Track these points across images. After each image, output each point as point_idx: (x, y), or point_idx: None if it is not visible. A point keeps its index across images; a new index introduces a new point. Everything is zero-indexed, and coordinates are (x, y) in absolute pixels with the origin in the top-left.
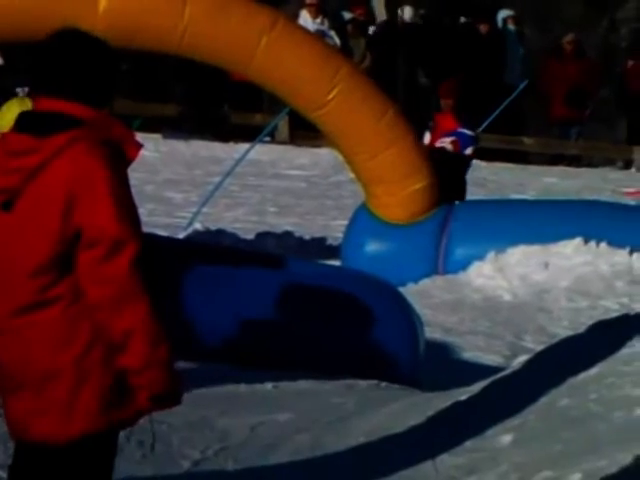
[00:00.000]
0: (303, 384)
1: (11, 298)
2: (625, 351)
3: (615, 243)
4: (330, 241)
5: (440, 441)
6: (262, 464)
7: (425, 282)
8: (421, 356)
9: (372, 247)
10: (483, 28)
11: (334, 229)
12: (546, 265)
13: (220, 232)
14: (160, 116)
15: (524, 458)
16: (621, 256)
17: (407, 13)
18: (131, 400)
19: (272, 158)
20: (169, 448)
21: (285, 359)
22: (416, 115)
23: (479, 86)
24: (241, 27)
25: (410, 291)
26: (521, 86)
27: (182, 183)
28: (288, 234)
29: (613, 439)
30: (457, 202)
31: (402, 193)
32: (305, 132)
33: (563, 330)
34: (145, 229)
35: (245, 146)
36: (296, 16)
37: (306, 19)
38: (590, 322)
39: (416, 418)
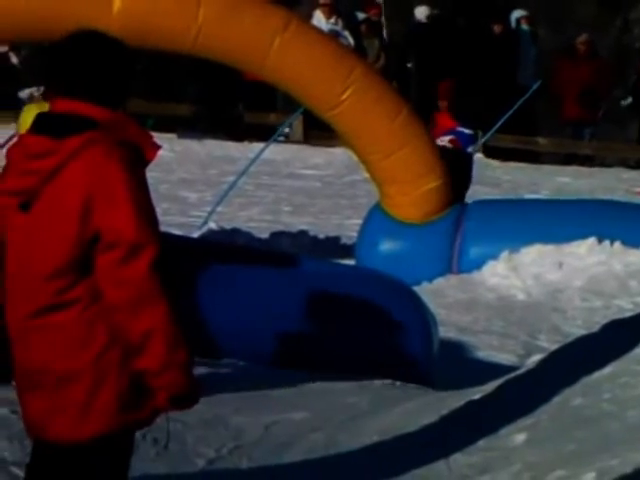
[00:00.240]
0: (317, 383)
1: (29, 300)
2: (639, 350)
3: (629, 243)
4: (344, 240)
5: (453, 440)
6: (276, 463)
7: (439, 281)
8: (435, 355)
9: (386, 246)
10: (497, 28)
11: (348, 228)
12: (560, 265)
13: (234, 231)
14: (174, 116)
15: (537, 457)
16: (635, 256)
17: (421, 13)
18: (148, 401)
19: (286, 157)
20: (184, 446)
21: (299, 358)
22: (429, 115)
23: (492, 86)
24: (254, 28)
25: (424, 290)
26: (534, 86)
27: (196, 182)
28: (302, 233)
29: (626, 438)
30: (469, 202)
31: (416, 193)
32: (319, 132)
33: (577, 329)
34: (160, 228)
35: (259, 146)
36: (310, 17)
37: (320, 19)
38: (604, 321)
39: (430, 417)
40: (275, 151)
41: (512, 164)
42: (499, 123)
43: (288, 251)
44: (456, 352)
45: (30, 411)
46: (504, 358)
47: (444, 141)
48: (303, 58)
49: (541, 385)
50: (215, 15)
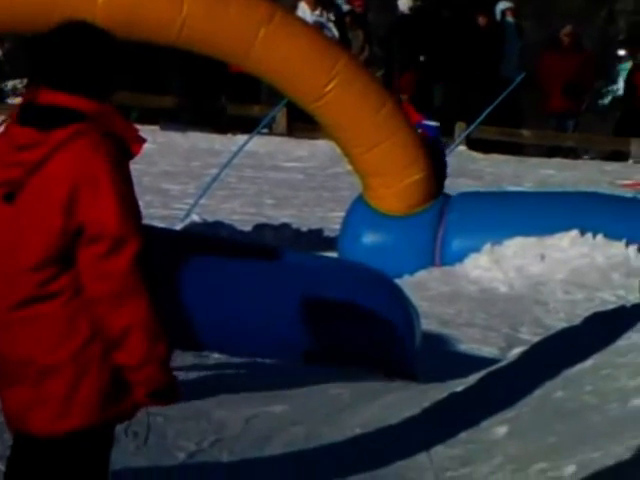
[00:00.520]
0: (298, 376)
1: (12, 291)
2: (621, 343)
3: (611, 235)
4: (327, 233)
5: (435, 433)
6: (257, 456)
7: (421, 274)
8: (417, 348)
9: (369, 239)
10: (482, 20)
11: (331, 221)
12: (542, 257)
13: (217, 224)
14: (157, 108)
15: (519, 450)
16: (617, 248)
17: (404, 4)
18: (128, 395)
19: (270, 150)
20: (164, 440)
21: (281, 351)
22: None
23: (476, 78)
24: (239, 19)
25: (406, 283)
26: (518, 79)
27: (179, 175)
28: (285, 226)
29: (608, 431)
30: (452, 194)
31: (399, 185)
32: (303, 124)
33: (559, 322)
34: (142, 221)
35: (243, 138)
36: (294, 8)
37: (304, 11)
38: (586, 314)
39: (411, 410)
40: (258, 143)
41: (495, 156)
42: (482, 115)
43: (271, 244)
44: (438, 345)
45: (10, 404)
46: (486, 351)
47: None
48: (288, 50)
49: (523, 378)
50: (200, 6)
